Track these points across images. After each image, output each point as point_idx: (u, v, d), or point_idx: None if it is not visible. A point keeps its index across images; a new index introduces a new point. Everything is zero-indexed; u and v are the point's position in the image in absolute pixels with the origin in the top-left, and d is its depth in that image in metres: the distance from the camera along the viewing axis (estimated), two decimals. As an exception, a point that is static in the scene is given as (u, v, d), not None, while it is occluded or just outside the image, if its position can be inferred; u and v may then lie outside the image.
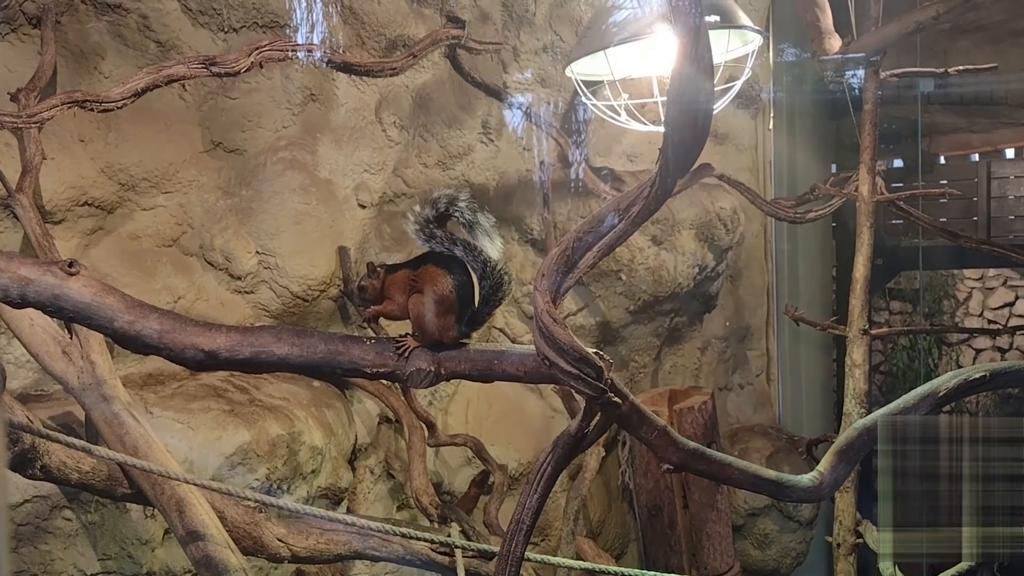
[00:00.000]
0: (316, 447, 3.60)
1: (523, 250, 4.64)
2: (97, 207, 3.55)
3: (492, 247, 2.13)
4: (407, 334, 2.16)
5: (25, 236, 3.23)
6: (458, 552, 3.20)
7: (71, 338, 2.81)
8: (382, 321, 3.15)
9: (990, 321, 7.64)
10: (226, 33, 3.84)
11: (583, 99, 2.76)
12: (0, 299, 2.13)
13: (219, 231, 3.82)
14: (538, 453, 4.69)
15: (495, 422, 4.49)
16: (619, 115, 2.63)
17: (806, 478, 2.11)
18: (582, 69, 2.90)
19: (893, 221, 6.60)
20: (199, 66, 2.79)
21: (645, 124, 2.61)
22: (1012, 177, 7.65)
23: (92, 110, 2.67)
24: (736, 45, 2.78)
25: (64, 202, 3.45)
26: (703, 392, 4.82)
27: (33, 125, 2.62)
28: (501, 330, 4.49)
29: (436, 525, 3.45)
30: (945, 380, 2.09)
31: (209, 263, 3.83)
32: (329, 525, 3.02)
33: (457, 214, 2.12)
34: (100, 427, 2.75)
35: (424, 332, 2.10)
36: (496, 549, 3.29)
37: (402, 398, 3.95)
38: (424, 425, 3.90)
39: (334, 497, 3.78)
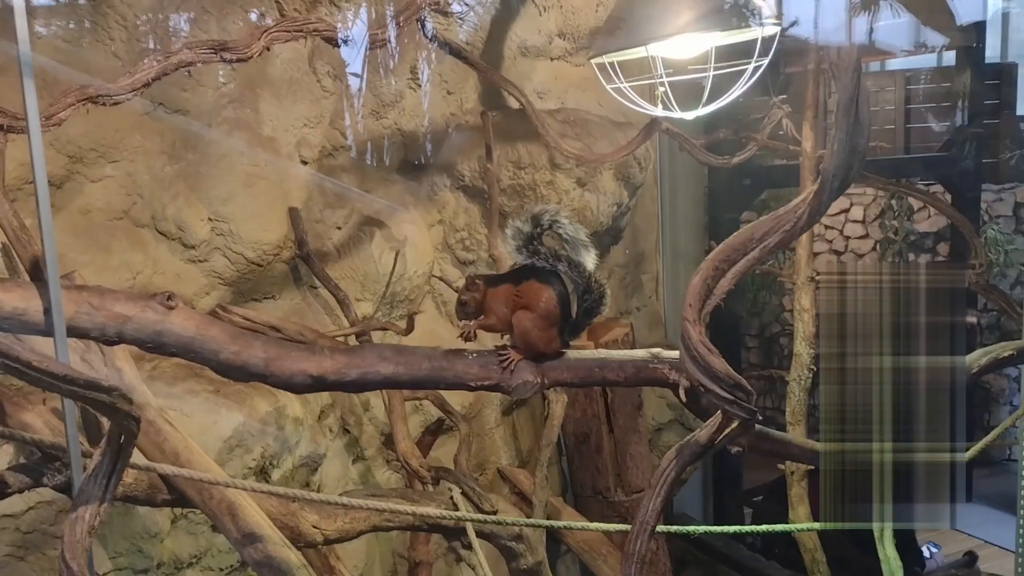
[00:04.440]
0: (298, 418, 3.61)
1: (455, 196, 4.67)
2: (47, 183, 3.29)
3: (590, 259, 2.22)
4: (506, 345, 2.23)
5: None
6: (463, 509, 3.35)
7: (87, 345, 2.67)
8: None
9: (827, 226, 8.38)
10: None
11: (609, 88, 2.82)
12: (96, 338, 2.04)
13: (170, 199, 3.64)
14: (476, 398, 4.86)
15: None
16: (641, 100, 2.72)
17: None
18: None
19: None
20: (208, 52, 2.63)
21: (675, 110, 2.71)
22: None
23: (104, 104, 2.48)
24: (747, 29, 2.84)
25: (14, 181, 3.16)
26: (622, 324, 5.10)
27: (52, 128, 2.42)
28: (440, 278, 4.55)
29: (430, 487, 3.56)
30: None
31: (162, 233, 3.65)
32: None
33: (560, 230, 2.18)
34: (134, 436, 2.65)
35: (530, 346, 2.18)
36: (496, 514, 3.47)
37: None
38: (392, 384, 3.95)
39: (313, 464, 3.81)
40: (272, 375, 2.11)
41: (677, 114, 2.79)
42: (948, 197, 6.57)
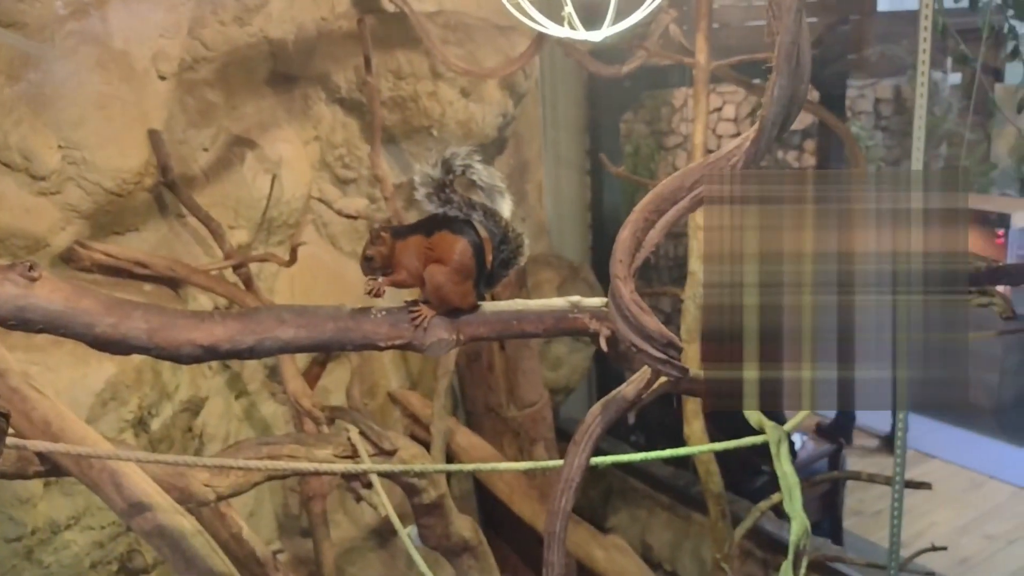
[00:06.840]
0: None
1: (331, 110, 4.36)
2: None
3: (506, 206, 2.04)
4: (417, 301, 2.06)
5: None
6: (363, 451, 3.21)
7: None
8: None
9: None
10: None
11: (507, 3, 2.58)
12: (-54, 320, 1.75)
13: (12, 126, 3.23)
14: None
15: (322, 295, 4.36)
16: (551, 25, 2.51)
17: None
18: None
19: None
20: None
21: (580, 30, 2.50)
22: (720, -8, 8.14)
23: (-73, 31, 2.11)
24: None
25: None
26: (510, 239, 4.96)
27: None
28: (319, 199, 4.29)
29: (325, 428, 3.39)
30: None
31: (5, 165, 3.26)
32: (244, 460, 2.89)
33: (474, 176, 1.99)
34: (-6, 407, 2.37)
35: (444, 302, 2.01)
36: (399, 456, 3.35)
37: (246, 290, 3.72)
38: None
39: (195, 408, 3.57)
40: (157, 347, 1.87)
41: (582, 35, 2.60)
42: (816, 95, 6.62)
